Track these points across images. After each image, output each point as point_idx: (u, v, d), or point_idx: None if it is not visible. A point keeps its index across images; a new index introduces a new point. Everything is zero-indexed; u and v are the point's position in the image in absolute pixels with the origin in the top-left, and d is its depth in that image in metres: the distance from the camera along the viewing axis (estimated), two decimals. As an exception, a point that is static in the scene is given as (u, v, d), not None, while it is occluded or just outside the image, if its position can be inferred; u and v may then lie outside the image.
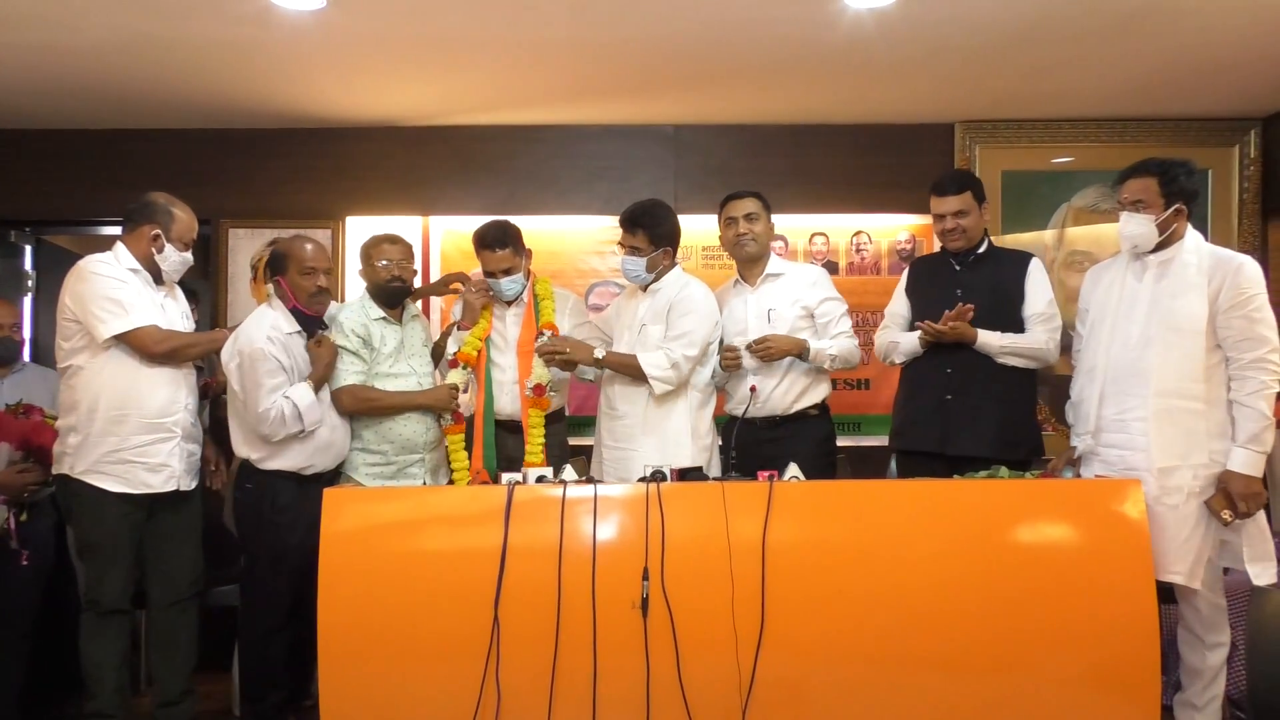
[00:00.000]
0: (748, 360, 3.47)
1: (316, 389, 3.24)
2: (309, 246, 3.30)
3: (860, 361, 3.56)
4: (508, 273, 3.55)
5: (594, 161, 4.81)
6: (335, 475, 3.32)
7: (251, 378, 3.14)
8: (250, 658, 3.31)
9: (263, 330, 3.19)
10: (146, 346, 3.13)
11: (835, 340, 3.46)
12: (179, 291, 3.42)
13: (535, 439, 3.48)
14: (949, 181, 3.46)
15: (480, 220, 4.75)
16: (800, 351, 3.43)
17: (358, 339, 3.35)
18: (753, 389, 3.42)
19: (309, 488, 3.15)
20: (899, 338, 3.52)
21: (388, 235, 3.51)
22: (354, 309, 3.43)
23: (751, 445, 3.40)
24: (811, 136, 4.80)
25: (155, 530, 3.24)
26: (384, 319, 3.43)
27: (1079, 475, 3.17)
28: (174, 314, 3.32)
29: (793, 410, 3.48)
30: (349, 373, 3.33)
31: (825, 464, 3.51)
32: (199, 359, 3.33)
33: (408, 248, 3.48)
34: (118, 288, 3.13)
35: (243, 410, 3.20)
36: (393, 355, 3.40)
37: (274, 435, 3.16)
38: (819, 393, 3.54)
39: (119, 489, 3.13)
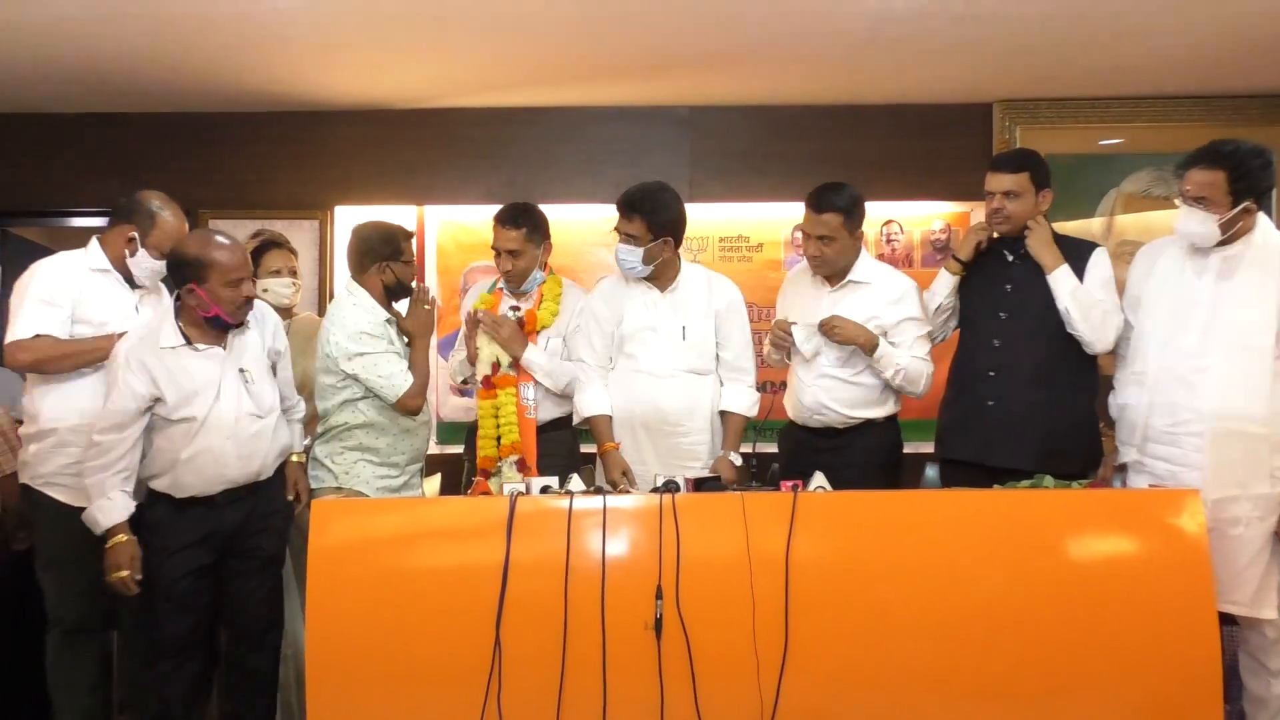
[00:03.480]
0: (802, 339, 3.39)
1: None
2: (231, 252, 3.03)
3: (925, 392, 3.45)
4: (515, 255, 3.52)
5: (601, 146, 4.80)
6: (241, 497, 3.11)
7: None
8: (135, 697, 3.20)
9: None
10: (13, 358, 3.10)
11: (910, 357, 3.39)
12: (163, 291, 3.39)
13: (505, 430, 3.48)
14: (1007, 158, 3.39)
15: (478, 209, 4.80)
16: (869, 347, 3.38)
17: (383, 339, 3.36)
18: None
19: (188, 506, 3.03)
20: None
21: (407, 229, 3.55)
22: (360, 310, 3.39)
23: (805, 454, 3.38)
24: (838, 118, 4.78)
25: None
26: (389, 321, 3.44)
27: (1124, 485, 3.15)
28: (146, 317, 3.28)
29: (854, 420, 3.44)
30: (401, 372, 3.35)
31: (889, 477, 3.46)
32: (72, 370, 3.16)
33: None
34: (55, 290, 3.12)
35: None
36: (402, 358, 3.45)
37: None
38: (887, 406, 3.47)
39: (79, 502, 3.12)
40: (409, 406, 3.36)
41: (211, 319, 3.02)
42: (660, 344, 3.43)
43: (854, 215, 3.41)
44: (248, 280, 3.06)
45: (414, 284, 3.51)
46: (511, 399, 3.50)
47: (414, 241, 3.56)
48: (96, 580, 3.09)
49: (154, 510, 3.05)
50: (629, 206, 3.39)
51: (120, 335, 3.12)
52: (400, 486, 3.44)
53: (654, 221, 3.37)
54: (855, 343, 3.37)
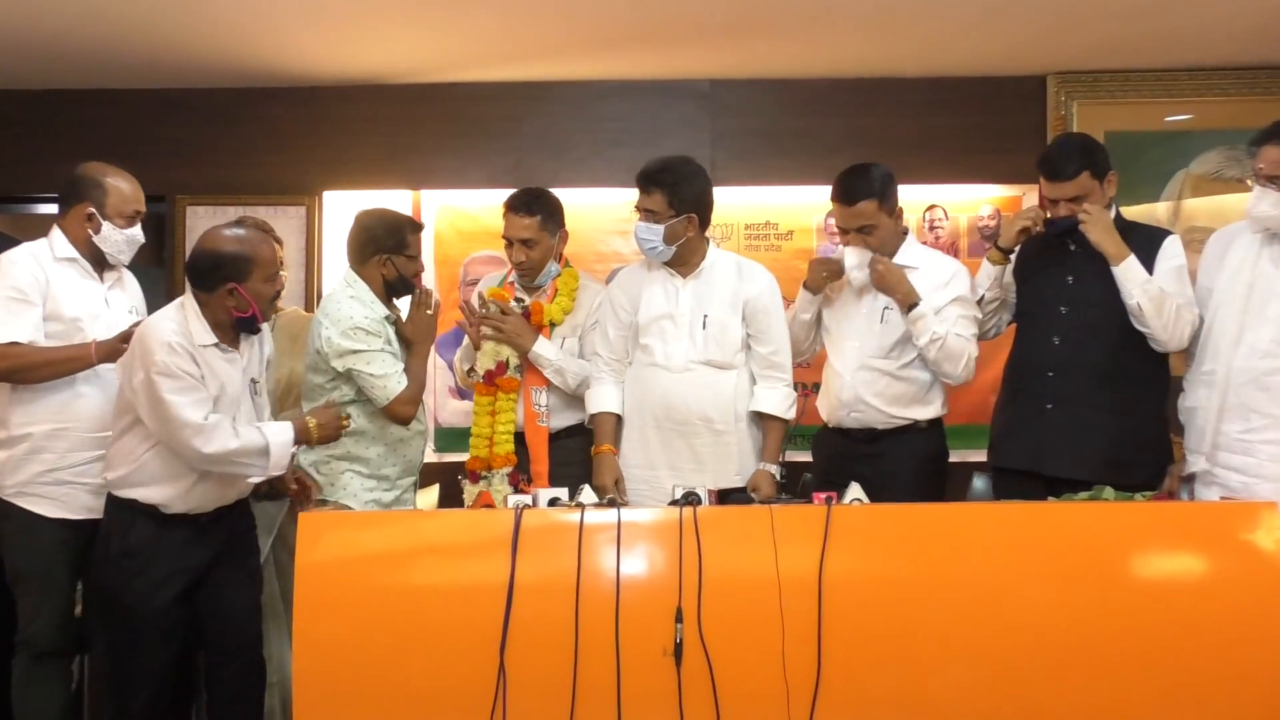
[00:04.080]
0: (853, 264, 3.40)
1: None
2: (270, 245, 3.15)
3: (964, 377, 3.43)
4: (528, 245, 3.52)
5: (615, 124, 4.80)
6: (226, 513, 3.14)
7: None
8: None
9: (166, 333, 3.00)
10: None
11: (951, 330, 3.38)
12: (128, 279, 3.44)
13: (502, 428, 3.50)
14: (1063, 162, 3.30)
15: (480, 194, 4.80)
16: (906, 304, 3.38)
17: (380, 337, 3.37)
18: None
19: (173, 526, 3.03)
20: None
21: (416, 221, 3.57)
22: (358, 304, 3.39)
23: (840, 463, 3.37)
24: (874, 93, 4.77)
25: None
26: (388, 318, 3.45)
27: (1192, 497, 3.13)
28: (120, 308, 3.33)
29: (895, 423, 3.45)
30: (397, 374, 3.36)
31: (932, 488, 3.46)
32: (50, 379, 3.17)
33: None
34: (27, 287, 3.13)
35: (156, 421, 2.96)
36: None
37: (202, 464, 2.98)
38: (931, 407, 3.48)
39: (55, 513, 3.16)
40: (399, 414, 3.36)
41: (246, 319, 3.05)
42: (676, 335, 3.42)
43: (889, 195, 3.43)
44: (280, 274, 3.13)
45: (415, 281, 3.51)
46: (512, 406, 3.50)
47: (421, 236, 3.55)
48: (71, 600, 3.12)
49: (136, 532, 3.01)
50: (648, 179, 3.39)
51: (94, 342, 3.14)
52: (391, 502, 3.44)
53: (676, 196, 3.36)
54: (892, 292, 3.38)
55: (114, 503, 3.06)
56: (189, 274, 3.07)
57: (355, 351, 3.32)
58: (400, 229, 3.47)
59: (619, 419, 3.49)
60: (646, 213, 3.39)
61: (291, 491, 3.31)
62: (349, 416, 3.23)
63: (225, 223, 3.30)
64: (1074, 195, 3.28)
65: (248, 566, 3.20)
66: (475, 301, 3.59)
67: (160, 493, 3.01)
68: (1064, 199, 3.30)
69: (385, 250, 3.43)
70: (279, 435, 3.04)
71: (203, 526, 3.07)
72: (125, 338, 3.13)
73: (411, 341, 3.46)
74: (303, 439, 3.10)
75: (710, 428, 3.40)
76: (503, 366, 3.51)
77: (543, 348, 3.51)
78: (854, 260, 3.44)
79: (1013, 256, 3.47)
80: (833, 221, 3.58)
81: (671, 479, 3.22)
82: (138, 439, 3.01)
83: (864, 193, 3.39)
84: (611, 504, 2.88)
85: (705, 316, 3.41)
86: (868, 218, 3.40)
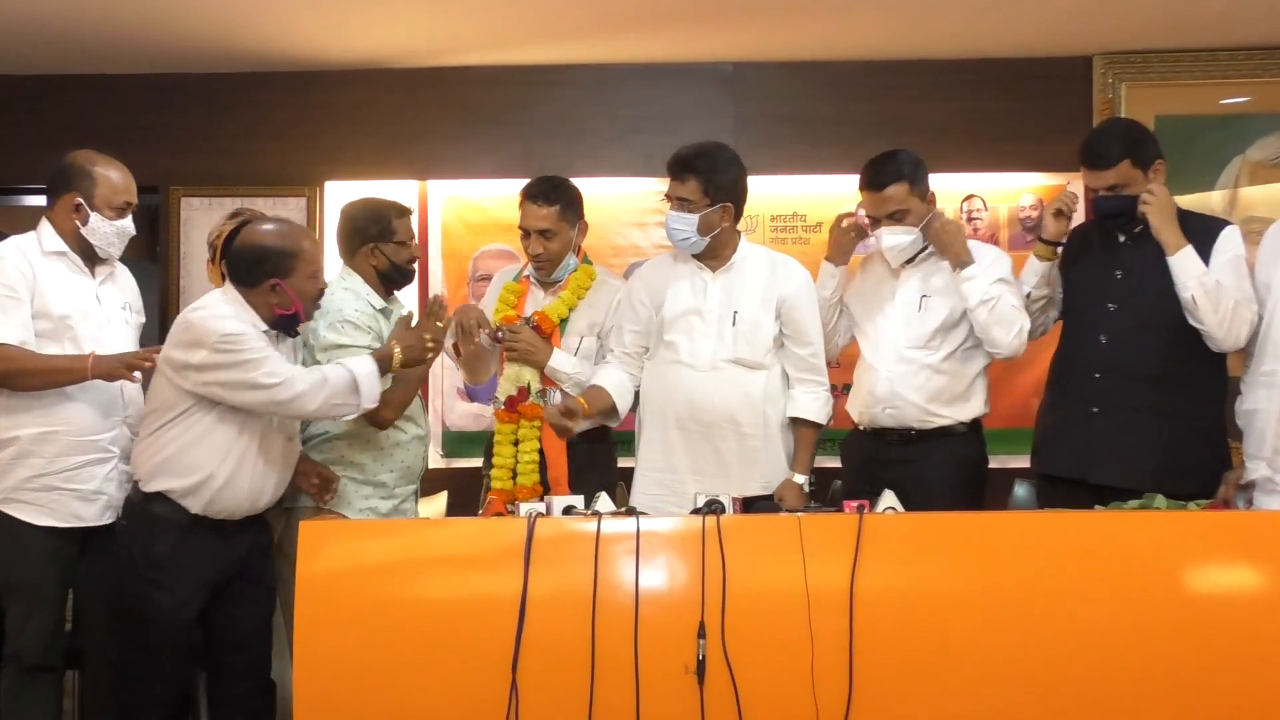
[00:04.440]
0: (888, 246, 3.41)
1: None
2: (313, 240, 3.21)
3: (1015, 348, 3.39)
4: (546, 236, 3.51)
5: (632, 110, 4.81)
6: (249, 525, 3.17)
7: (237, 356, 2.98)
8: None
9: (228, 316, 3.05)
10: None
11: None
12: (121, 274, 3.44)
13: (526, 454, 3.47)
14: (1102, 150, 3.31)
15: (490, 185, 4.81)
16: (959, 262, 3.38)
17: (370, 332, 3.36)
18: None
19: (200, 535, 3.04)
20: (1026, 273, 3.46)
21: (400, 205, 3.55)
22: (350, 296, 3.41)
23: (872, 468, 3.37)
24: (907, 76, 4.77)
25: (90, 571, 3.27)
26: (385, 311, 3.45)
27: (1251, 506, 3.10)
28: (111, 305, 3.35)
29: (933, 424, 3.44)
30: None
31: (971, 496, 3.45)
32: (42, 389, 3.18)
33: None
34: (17, 283, 3.14)
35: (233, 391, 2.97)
36: None
37: (304, 409, 3.03)
38: (972, 405, 3.46)
39: (44, 521, 3.17)
40: (375, 416, 3.31)
41: (289, 318, 3.09)
42: (704, 331, 3.41)
43: (919, 179, 3.44)
44: (322, 271, 3.17)
45: (410, 268, 3.49)
46: (535, 434, 3.47)
47: (409, 219, 3.54)
48: (61, 612, 3.13)
49: (161, 542, 3.01)
50: (683, 165, 3.39)
51: (93, 355, 3.15)
52: (389, 512, 3.42)
53: (712, 184, 3.36)
54: (948, 248, 3.39)
55: (137, 511, 3.07)
56: (230, 268, 3.12)
57: (339, 345, 3.31)
58: (383, 215, 3.47)
59: (613, 406, 3.46)
60: (679, 201, 3.38)
61: (311, 487, 3.29)
62: (435, 342, 3.24)
63: (270, 216, 3.35)
64: (1113, 184, 3.28)
65: (264, 582, 3.21)
66: (473, 330, 3.52)
67: (196, 484, 3.00)
68: (1103, 188, 3.30)
69: (371, 239, 3.44)
70: (362, 366, 3.09)
71: (227, 535, 3.08)
72: (130, 365, 3.16)
73: (406, 360, 3.31)
74: (386, 366, 3.15)
75: (737, 431, 3.39)
76: (524, 392, 3.47)
77: (559, 361, 3.49)
78: (890, 241, 3.43)
79: (1059, 250, 3.44)
80: (864, 212, 3.58)
81: (695, 484, 3.22)
82: (183, 430, 3.01)
83: (892, 176, 3.40)
84: (630, 513, 2.87)
85: (735, 313, 3.41)
86: (898, 202, 3.40)
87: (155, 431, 3.04)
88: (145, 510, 3.05)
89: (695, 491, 3.00)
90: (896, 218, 3.42)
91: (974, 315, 3.37)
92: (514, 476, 3.47)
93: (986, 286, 3.35)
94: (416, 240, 3.55)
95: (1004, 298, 3.35)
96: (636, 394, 3.55)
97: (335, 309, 3.35)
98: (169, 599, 3.00)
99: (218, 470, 3.01)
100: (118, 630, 3.11)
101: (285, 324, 3.12)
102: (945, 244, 3.41)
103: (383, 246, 3.44)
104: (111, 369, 3.17)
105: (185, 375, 2.99)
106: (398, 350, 3.17)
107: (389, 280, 3.49)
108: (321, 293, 3.18)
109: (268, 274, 3.04)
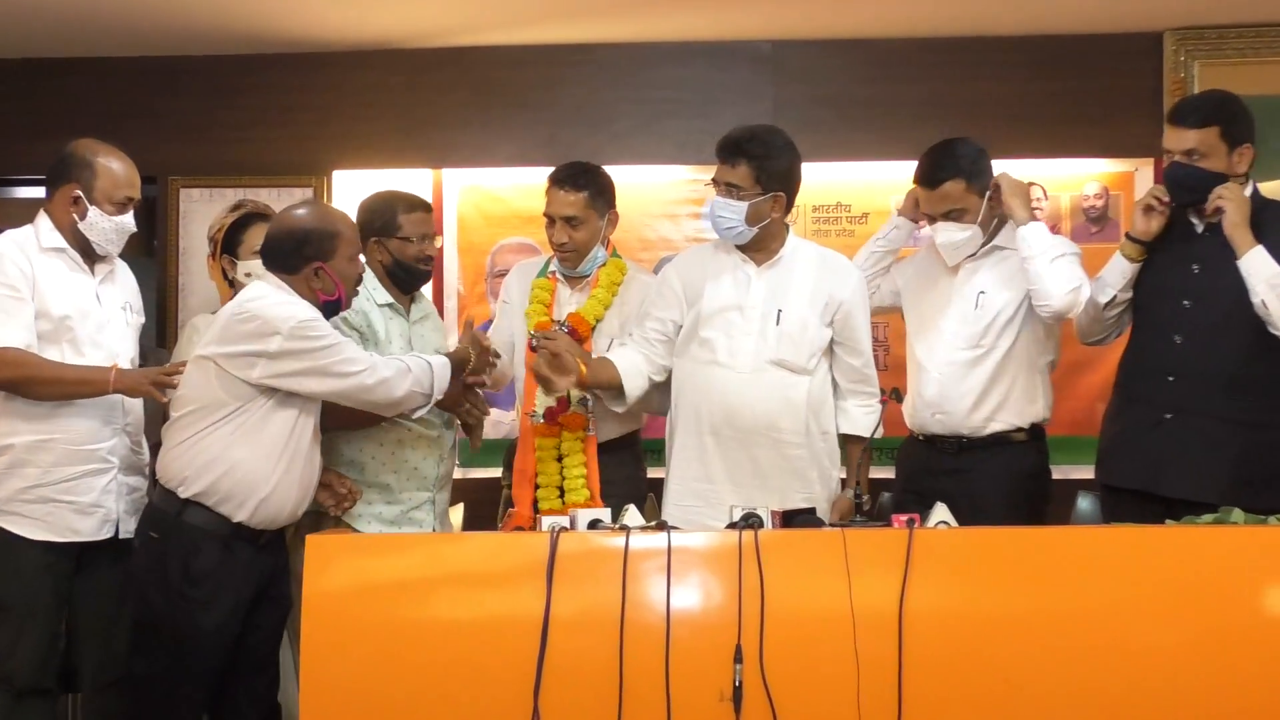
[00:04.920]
0: (944, 243, 3.42)
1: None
2: (347, 220, 3.23)
3: (1067, 304, 3.37)
4: (573, 225, 3.51)
5: (664, 92, 4.82)
6: (277, 536, 3.20)
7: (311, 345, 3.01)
8: None
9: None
10: None
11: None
12: (121, 272, 3.46)
13: (574, 474, 3.48)
14: (1191, 107, 3.34)
15: (510, 174, 4.81)
16: (1023, 218, 3.40)
17: (353, 330, 3.38)
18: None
19: (239, 548, 3.05)
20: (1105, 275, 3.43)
21: (413, 198, 3.54)
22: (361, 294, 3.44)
23: (923, 478, 3.37)
24: (960, 54, 4.76)
25: (87, 588, 3.30)
26: (391, 306, 3.47)
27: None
28: (112, 305, 3.36)
29: (988, 430, 3.42)
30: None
31: (1031, 509, 3.44)
32: (52, 400, 3.20)
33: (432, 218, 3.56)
34: (18, 281, 3.16)
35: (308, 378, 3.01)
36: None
37: (387, 391, 3.07)
38: (1031, 410, 3.45)
39: (39, 535, 3.19)
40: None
41: (332, 303, 3.13)
42: (745, 330, 3.39)
43: (979, 173, 3.44)
44: (360, 252, 3.21)
45: (422, 266, 3.48)
46: (580, 447, 3.48)
47: (423, 214, 3.52)
48: (56, 632, 3.15)
49: (201, 557, 3.00)
50: (734, 149, 3.36)
51: (115, 368, 3.18)
52: (395, 518, 3.41)
53: (764, 170, 3.34)
54: (1011, 204, 3.40)
55: (170, 522, 3.04)
56: (267, 259, 3.15)
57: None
58: (388, 209, 3.47)
59: (619, 383, 3.42)
60: (728, 187, 3.36)
61: (330, 497, 3.29)
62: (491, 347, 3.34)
63: (296, 202, 3.37)
64: (1192, 149, 3.25)
65: (282, 600, 3.21)
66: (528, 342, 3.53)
67: (246, 487, 3.00)
68: (1179, 152, 3.27)
69: (375, 233, 3.45)
70: (437, 359, 3.19)
71: (261, 548, 3.09)
72: (158, 383, 3.17)
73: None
74: (459, 370, 3.24)
75: (777, 439, 3.37)
76: (564, 403, 3.47)
77: None
78: (945, 239, 3.43)
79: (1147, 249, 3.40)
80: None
81: (733, 495, 3.20)
82: (233, 429, 2.99)
83: (949, 172, 3.39)
84: (661, 528, 2.87)
85: (779, 311, 3.39)
86: (954, 201, 3.39)
87: (200, 433, 3.01)
88: (181, 521, 3.01)
89: (731, 504, 2.99)
90: (953, 216, 3.41)
91: (1028, 265, 3.37)
92: (562, 494, 3.47)
93: (1049, 240, 3.36)
94: (435, 237, 3.54)
95: (1066, 255, 3.37)
96: (656, 394, 3.54)
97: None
98: (210, 619, 2.99)
99: (271, 472, 3.02)
100: (143, 650, 3.08)
101: (328, 310, 3.13)
102: (1008, 198, 3.42)
103: (387, 242, 3.45)
104: (136, 385, 3.20)
105: (253, 366, 2.98)
106: (471, 355, 3.26)
107: (397, 278, 3.50)
108: (360, 277, 3.22)
109: (309, 257, 3.07)
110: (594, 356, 3.49)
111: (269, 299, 3.05)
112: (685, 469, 3.44)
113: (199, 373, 3.04)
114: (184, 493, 3.01)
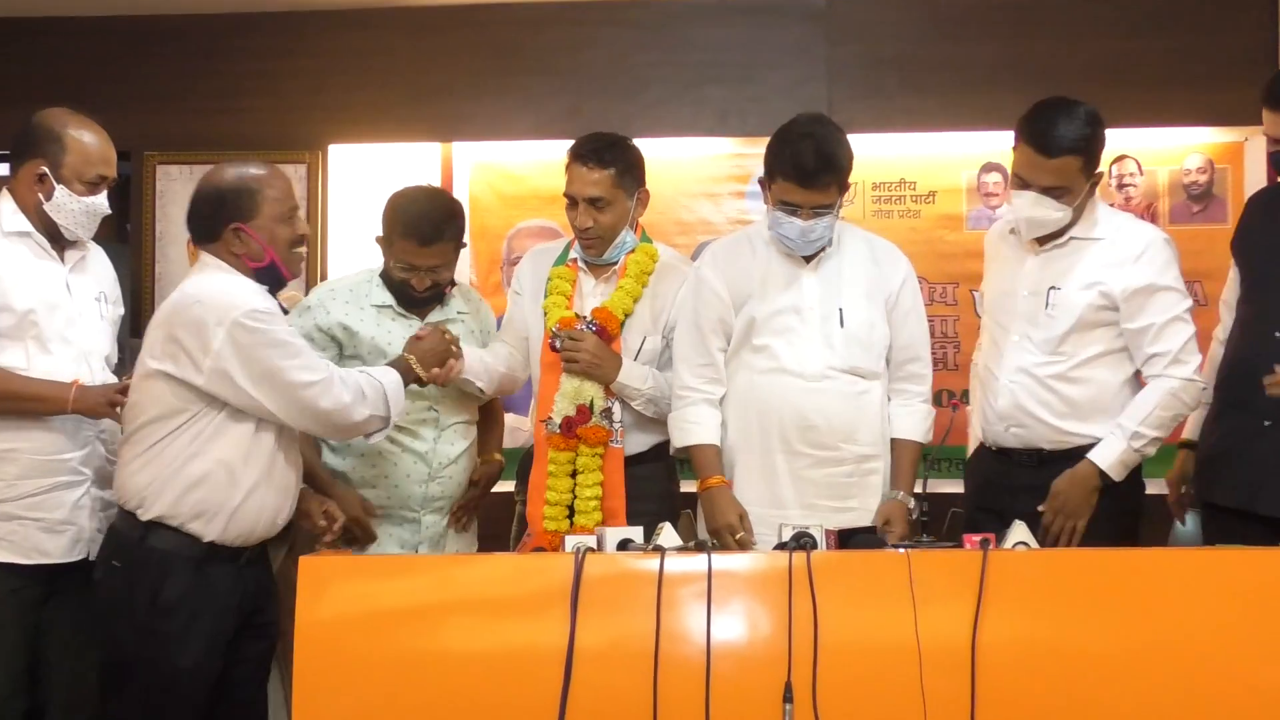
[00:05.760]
0: (1023, 215, 3.37)
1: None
2: (277, 174, 3.18)
3: (1196, 404, 3.40)
4: (598, 206, 3.51)
5: (704, 54, 4.83)
6: (258, 553, 3.20)
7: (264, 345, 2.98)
8: None
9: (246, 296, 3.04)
10: None
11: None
12: (95, 258, 3.48)
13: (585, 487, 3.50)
14: None
15: (528, 147, 4.83)
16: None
17: (327, 337, 3.43)
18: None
19: (215, 571, 3.04)
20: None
21: (421, 229, 3.42)
22: (344, 294, 3.49)
23: (999, 494, 3.38)
24: (1040, 10, 4.76)
25: (57, 618, 3.32)
26: (392, 309, 3.50)
27: None
28: (84, 296, 3.38)
29: (1069, 442, 3.42)
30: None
31: (1122, 528, 3.43)
32: (14, 415, 3.21)
33: (454, 247, 3.49)
34: None
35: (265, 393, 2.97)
36: None
37: (344, 416, 3.04)
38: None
39: (2, 557, 3.21)
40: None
41: (265, 269, 3.08)
42: (806, 334, 3.40)
43: (1094, 154, 3.36)
44: (299, 214, 3.17)
45: (412, 291, 3.48)
46: (598, 464, 3.48)
47: (413, 244, 3.45)
48: (22, 663, 3.18)
49: (170, 584, 2.99)
50: (822, 171, 3.29)
51: (76, 385, 3.19)
52: (379, 538, 3.47)
53: (845, 178, 3.37)
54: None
55: (131, 547, 3.03)
56: (191, 228, 3.13)
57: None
58: (389, 228, 3.46)
59: (719, 450, 3.45)
60: (816, 210, 3.32)
61: (319, 529, 3.26)
62: (451, 336, 3.32)
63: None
64: None
65: (269, 628, 3.22)
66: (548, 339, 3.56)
67: (213, 501, 2.99)
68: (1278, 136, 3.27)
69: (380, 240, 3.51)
70: (387, 376, 3.13)
71: (240, 568, 3.09)
72: (114, 403, 3.17)
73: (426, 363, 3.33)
74: (410, 377, 3.20)
75: (856, 454, 3.38)
76: (585, 412, 3.47)
77: (630, 376, 3.50)
78: (1030, 213, 3.37)
79: None
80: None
81: (802, 517, 3.13)
82: (192, 436, 2.98)
83: (1069, 147, 3.30)
84: (700, 549, 2.88)
85: (841, 310, 3.40)
86: (1065, 178, 3.32)
87: (155, 445, 3.00)
88: (145, 545, 3.00)
89: (780, 523, 2.98)
90: (1053, 193, 3.34)
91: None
92: (571, 515, 3.48)
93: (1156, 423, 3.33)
94: (420, 270, 3.47)
95: (1178, 394, 3.33)
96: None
97: (312, 304, 3.51)
98: (186, 655, 2.99)
99: (239, 479, 3.01)
100: (114, 693, 3.07)
101: (265, 278, 3.08)
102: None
103: (387, 252, 3.51)
104: (95, 406, 3.20)
105: (198, 365, 2.94)
106: (413, 358, 3.21)
107: (392, 287, 3.52)
108: (302, 239, 3.16)
109: (228, 219, 3.04)
110: (641, 371, 3.52)
111: (215, 285, 3.01)
112: (749, 491, 3.41)
113: (148, 379, 3.02)
114: (145, 514, 2.99)
